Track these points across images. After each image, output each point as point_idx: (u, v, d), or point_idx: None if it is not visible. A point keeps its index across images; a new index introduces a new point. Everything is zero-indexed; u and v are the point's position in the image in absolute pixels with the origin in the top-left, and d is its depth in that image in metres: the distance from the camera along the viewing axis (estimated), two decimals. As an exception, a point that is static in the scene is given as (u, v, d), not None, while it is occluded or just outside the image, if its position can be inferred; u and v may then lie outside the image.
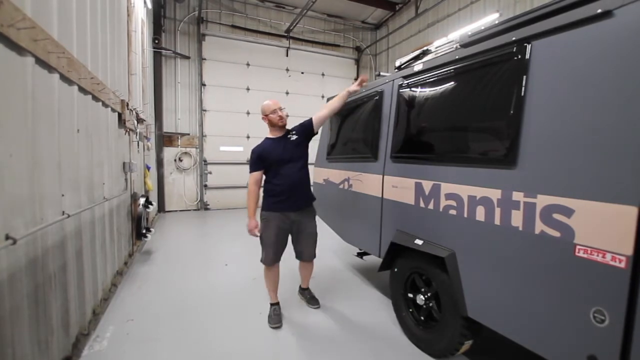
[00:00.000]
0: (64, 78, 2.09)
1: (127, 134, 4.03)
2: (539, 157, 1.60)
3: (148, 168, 5.70)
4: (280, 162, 2.67)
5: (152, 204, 5.14)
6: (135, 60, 4.81)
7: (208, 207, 8.40)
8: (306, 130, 2.79)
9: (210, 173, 8.38)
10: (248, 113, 8.66)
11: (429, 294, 2.38)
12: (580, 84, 1.46)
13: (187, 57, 8.06)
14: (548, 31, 1.60)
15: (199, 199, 8.34)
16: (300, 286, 3.21)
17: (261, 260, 2.80)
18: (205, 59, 8.21)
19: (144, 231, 4.63)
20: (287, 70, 9.08)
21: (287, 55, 9.05)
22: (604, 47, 1.38)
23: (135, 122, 4.44)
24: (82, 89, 2.40)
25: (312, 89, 9.27)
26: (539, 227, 1.58)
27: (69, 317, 2.17)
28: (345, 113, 3.52)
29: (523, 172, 1.66)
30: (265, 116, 2.74)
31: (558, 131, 1.53)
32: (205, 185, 8.36)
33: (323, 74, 9.54)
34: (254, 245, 5.17)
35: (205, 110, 8.25)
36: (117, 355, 2.32)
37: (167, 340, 2.51)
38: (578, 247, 1.43)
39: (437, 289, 2.26)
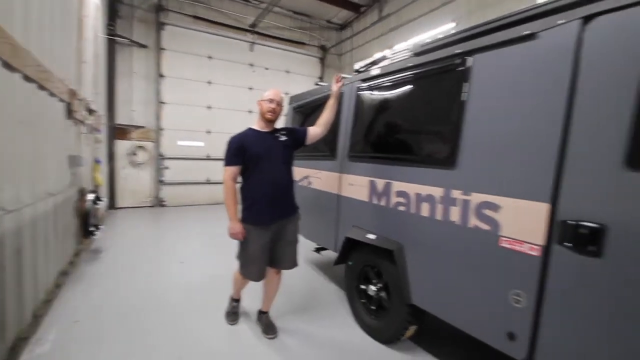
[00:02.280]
0: (7, 65, 1.95)
1: (75, 125, 3.79)
2: (474, 159, 1.79)
3: (98, 162, 5.38)
4: (264, 158, 2.31)
5: (101, 200, 4.86)
6: (87, 47, 4.52)
7: (164, 203, 8.08)
8: (297, 138, 2.52)
9: (167, 168, 8.05)
10: (209, 107, 8.43)
11: (379, 285, 2.53)
12: (506, 95, 1.66)
13: (145, 46, 7.67)
14: (486, 47, 1.79)
15: (154, 195, 7.99)
16: (259, 310, 2.73)
17: (241, 273, 2.49)
18: (164, 49, 7.86)
19: (92, 229, 4.37)
20: (252, 65, 8.96)
21: (251, 50, 8.93)
22: (528, 62, 1.59)
23: (85, 113, 4.18)
24: (26, 77, 2.24)
25: (276, 85, 9.06)
26: (473, 221, 1.78)
27: (5, 321, 2.03)
28: (308, 112, 3.61)
29: (461, 173, 1.85)
30: (260, 101, 2.41)
31: (489, 136, 1.72)
32: (162, 181, 8.03)
33: (288, 71, 9.54)
34: (213, 242, 5.11)
35: (163, 103, 7.90)
36: (60, 358, 2.21)
37: (116, 341, 2.42)
38: (502, 238, 1.64)
39: (387, 280, 2.43)
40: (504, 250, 1.63)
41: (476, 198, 1.76)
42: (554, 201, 1.44)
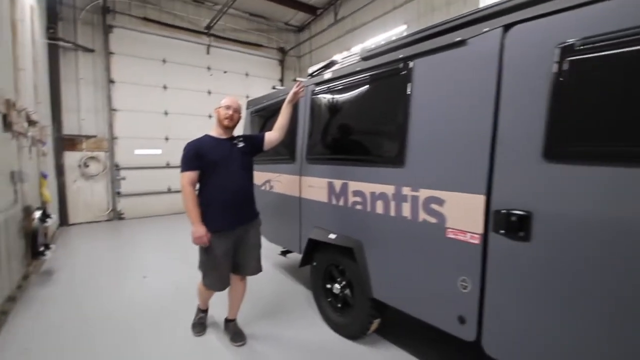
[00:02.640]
0: None
1: (15, 138, 3.52)
2: (420, 157, 1.91)
3: (45, 176, 5.00)
4: (222, 165, 2.31)
5: (50, 217, 4.54)
6: (24, 53, 4.19)
7: (123, 216, 7.67)
8: (255, 144, 2.53)
9: (124, 179, 7.65)
10: (166, 113, 8.12)
11: (343, 283, 2.61)
12: (444, 97, 1.80)
13: (91, 51, 7.22)
14: (424, 52, 1.91)
15: (111, 208, 7.55)
16: (226, 318, 2.70)
17: (204, 284, 2.46)
18: (113, 53, 7.45)
19: (41, 249, 4.08)
20: (209, 68, 8.75)
21: (208, 53, 8.71)
22: (460, 66, 1.72)
23: (26, 124, 3.89)
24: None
25: (236, 88, 9.08)
26: (422, 215, 1.90)
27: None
28: (268, 115, 3.61)
29: (409, 170, 1.96)
30: (217, 109, 2.41)
31: (431, 135, 1.85)
32: (119, 193, 7.61)
33: (247, 74, 9.43)
34: (178, 252, 4.95)
35: (115, 110, 7.49)
36: (9, 389, 2.07)
37: None
38: (448, 229, 1.77)
39: (350, 277, 2.51)
40: (450, 240, 1.76)
41: (424, 194, 1.88)
42: (488, 193, 1.58)
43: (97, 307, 3.19)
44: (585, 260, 1.30)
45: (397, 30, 6.95)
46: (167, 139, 8.14)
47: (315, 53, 9.73)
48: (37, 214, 4.10)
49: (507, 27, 1.53)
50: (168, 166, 8.13)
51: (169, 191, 8.18)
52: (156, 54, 7.95)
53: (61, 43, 6.74)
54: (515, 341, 1.54)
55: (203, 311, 2.77)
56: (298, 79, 2.71)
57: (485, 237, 1.61)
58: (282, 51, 10.15)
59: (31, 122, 4.21)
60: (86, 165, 7.21)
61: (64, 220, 6.90)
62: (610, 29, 1.22)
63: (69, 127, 7.04)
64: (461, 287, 1.73)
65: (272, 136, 2.58)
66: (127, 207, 7.72)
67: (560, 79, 1.34)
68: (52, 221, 4.75)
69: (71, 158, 7.09)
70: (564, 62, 1.33)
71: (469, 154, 1.66)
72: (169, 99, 8.13)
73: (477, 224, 1.63)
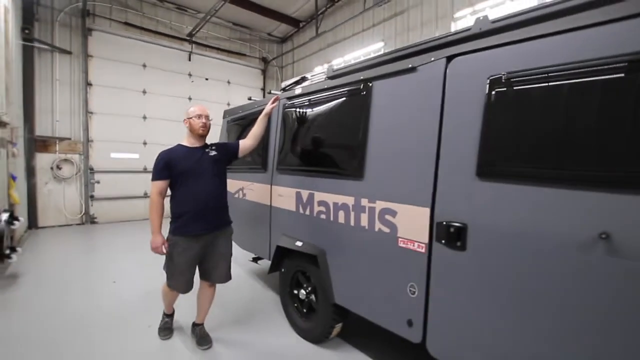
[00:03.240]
0: None
1: (-18, 139, 3.47)
2: (377, 171, 2.07)
3: (13, 178, 4.89)
4: (190, 175, 2.36)
5: (18, 220, 4.44)
6: (-5, 53, 4.15)
7: (95, 220, 7.51)
8: (228, 153, 2.61)
9: (98, 182, 7.51)
10: (145, 117, 8.07)
11: (309, 289, 2.72)
12: (398, 117, 1.96)
13: (69, 53, 7.13)
14: (382, 75, 2.09)
15: (83, 211, 7.39)
16: (194, 322, 2.74)
17: (168, 285, 2.52)
18: (91, 56, 7.38)
19: (7, 252, 3.99)
20: (190, 75, 8.78)
21: (189, 60, 8.75)
22: (411, 91, 1.90)
23: (-6, 125, 3.84)
24: None
25: (217, 96, 9.14)
26: (377, 225, 2.04)
27: None
28: (244, 124, 3.70)
29: (367, 183, 2.12)
30: (188, 119, 2.45)
31: (386, 151, 2.01)
32: (92, 196, 7.46)
33: (229, 82, 9.50)
34: (150, 258, 4.91)
35: (91, 113, 7.39)
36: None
37: None
38: (400, 239, 1.92)
39: (315, 283, 2.62)
40: (401, 249, 1.91)
41: (379, 205, 2.03)
42: (432, 206, 1.75)
43: (63, 311, 3.16)
44: (511, 267, 1.46)
45: (375, 47, 7.24)
46: (145, 143, 8.07)
47: (297, 64, 9.93)
48: (4, 216, 4.01)
49: (449, 59, 1.72)
50: (145, 171, 8.04)
51: (145, 196, 8.07)
52: (136, 58, 7.93)
53: (37, 44, 6.64)
54: (454, 342, 1.69)
55: (168, 315, 2.80)
56: (273, 92, 2.84)
57: (430, 246, 1.77)
58: (265, 61, 10.31)
59: (1, 123, 4.15)
60: (59, 168, 7.05)
61: (33, 223, 6.70)
62: (531, 65, 1.42)
63: (43, 129, 6.89)
64: (410, 292, 1.88)
65: (246, 144, 2.68)
66: (101, 211, 7.57)
67: (490, 107, 1.53)
68: (20, 224, 4.64)
69: (43, 160, 6.92)
70: (492, 93, 1.52)
71: (417, 170, 1.83)
72: (148, 104, 8.09)
73: (423, 234, 1.79)
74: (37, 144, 6.81)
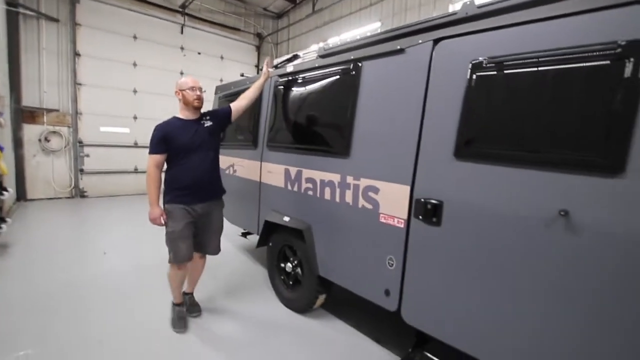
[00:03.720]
0: None
1: (-32, 107, 3.42)
2: (361, 150, 2.14)
3: (1, 149, 4.84)
4: (189, 149, 2.36)
5: (7, 191, 4.45)
6: (-22, 18, 4.01)
7: (85, 194, 7.49)
8: (222, 119, 2.58)
9: (88, 156, 7.45)
10: (135, 91, 7.92)
11: (295, 262, 2.84)
12: (384, 97, 2.02)
13: (56, 20, 6.88)
14: (372, 56, 2.13)
15: (72, 185, 7.36)
16: (183, 291, 2.75)
17: (170, 261, 2.44)
18: (79, 25, 7.14)
19: (-4, 221, 4.02)
20: (182, 48, 8.57)
21: (182, 33, 8.52)
22: (399, 71, 1.95)
23: (-20, 93, 3.77)
24: None
25: (209, 71, 8.96)
26: (361, 202, 2.14)
27: None
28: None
29: (353, 161, 2.19)
30: (180, 91, 2.40)
31: (372, 130, 2.08)
32: (82, 170, 7.42)
33: (222, 57, 9.31)
34: (141, 229, 4.99)
35: (80, 84, 7.23)
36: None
37: (26, 344, 2.28)
38: (381, 214, 2.02)
39: (300, 257, 2.74)
40: (382, 224, 2.02)
41: (364, 182, 2.12)
42: (412, 184, 1.84)
43: (54, 279, 3.24)
44: (481, 241, 1.57)
45: (371, 27, 7.15)
46: (135, 117, 7.97)
47: (293, 42, 9.75)
48: (-8, 187, 4.01)
49: (436, 42, 1.77)
50: (136, 145, 7.98)
51: (136, 171, 8.05)
52: (127, 29, 7.70)
53: (22, 10, 6.39)
54: (426, 310, 1.83)
55: (179, 304, 2.66)
56: (268, 58, 2.84)
57: (408, 221, 1.88)
58: (260, 37, 10.09)
59: (-13, 92, 4.07)
60: (47, 140, 6.96)
61: (21, 195, 6.67)
62: (510, 52, 1.48)
63: (30, 99, 6.74)
64: (389, 264, 2.00)
65: (239, 104, 2.64)
66: (91, 185, 7.55)
67: (470, 90, 1.60)
68: (9, 195, 4.64)
69: (31, 131, 6.82)
70: (473, 77, 1.58)
71: (400, 149, 1.91)
72: (139, 77, 7.93)
73: (402, 210, 1.89)
74: (24, 115, 6.68)
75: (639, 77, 1.14)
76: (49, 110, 6.95)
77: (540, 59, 1.38)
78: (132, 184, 8.02)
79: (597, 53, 1.24)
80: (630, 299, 1.18)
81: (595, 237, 1.24)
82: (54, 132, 7.03)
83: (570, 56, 1.30)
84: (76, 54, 7.12)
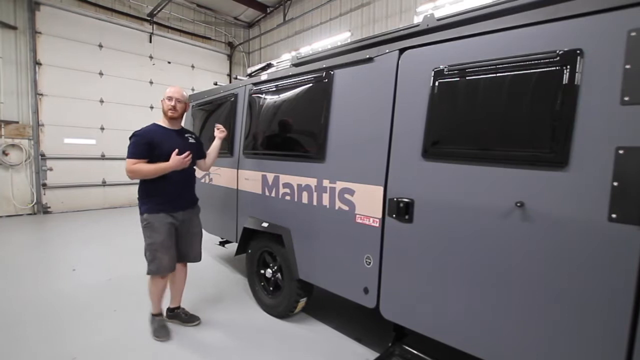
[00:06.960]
0: None
1: None
2: (336, 154, 2.23)
3: (-47, 163, 4.52)
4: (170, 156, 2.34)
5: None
6: None
7: (49, 210, 7.10)
8: (199, 152, 2.69)
9: (51, 169, 7.08)
10: (102, 101, 7.65)
11: (275, 267, 2.86)
12: (355, 103, 2.13)
13: (13, 28, 6.57)
14: (343, 64, 2.23)
15: (35, 200, 6.95)
16: (169, 307, 2.73)
17: (150, 273, 2.40)
18: (40, 33, 6.84)
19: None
20: (151, 57, 8.41)
21: (150, 42, 8.37)
22: (368, 79, 2.07)
23: None
24: None
25: (180, 80, 8.82)
26: (338, 204, 2.22)
27: None
28: (211, 109, 3.71)
29: (328, 165, 2.27)
30: (162, 100, 2.48)
31: (346, 135, 2.17)
32: (44, 184, 7.03)
33: (193, 66, 9.22)
34: (110, 245, 4.82)
35: (41, 95, 6.89)
36: None
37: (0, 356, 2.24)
38: (357, 215, 2.10)
39: (280, 262, 2.77)
40: (358, 224, 2.10)
41: (339, 185, 2.21)
42: (385, 184, 1.94)
43: (20, 298, 3.07)
44: (449, 235, 1.69)
45: (341, 37, 7.37)
46: (102, 128, 7.68)
47: (265, 51, 9.82)
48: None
49: (401, 51, 1.90)
50: (103, 157, 7.68)
51: (104, 184, 7.73)
52: (92, 37, 7.47)
53: (-25, 17, 6.05)
54: (403, 305, 1.92)
55: (158, 315, 2.62)
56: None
57: (383, 220, 1.97)
58: (231, 46, 10.09)
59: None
60: (5, 154, 6.56)
61: (-25, 214, 6.22)
62: (467, 60, 1.62)
63: (-16, 111, 6.35)
64: (366, 263, 2.08)
65: (206, 164, 2.79)
66: (55, 200, 7.17)
67: (433, 95, 1.73)
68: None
69: (-14, 145, 6.40)
70: (436, 83, 1.72)
71: (373, 152, 2.01)
72: (106, 87, 7.69)
73: (377, 210, 1.99)
74: (-22, 127, 6.28)
75: (575, 82, 1.30)
76: (7, 122, 6.57)
77: (493, 67, 1.53)
78: (100, 197, 7.69)
79: (541, 61, 1.40)
80: (577, 276, 1.32)
81: (547, 223, 1.38)
82: (13, 145, 6.64)
83: (519, 64, 1.46)
84: (37, 63, 6.81)
